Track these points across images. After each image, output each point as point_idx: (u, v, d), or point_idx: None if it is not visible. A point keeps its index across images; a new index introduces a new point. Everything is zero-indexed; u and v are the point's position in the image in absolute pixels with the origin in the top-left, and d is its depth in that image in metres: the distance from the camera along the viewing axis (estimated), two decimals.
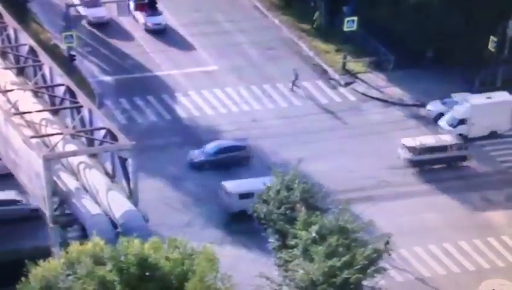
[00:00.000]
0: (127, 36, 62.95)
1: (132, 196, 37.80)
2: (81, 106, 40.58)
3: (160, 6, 63.02)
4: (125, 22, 63.40)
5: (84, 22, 62.71)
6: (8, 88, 42.56)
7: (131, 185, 37.89)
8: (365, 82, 60.33)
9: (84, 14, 62.69)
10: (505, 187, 51.94)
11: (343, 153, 53.77)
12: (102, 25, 63.00)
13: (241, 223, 46.77)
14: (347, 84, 60.14)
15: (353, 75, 60.92)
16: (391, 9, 60.03)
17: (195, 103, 57.65)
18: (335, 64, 61.60)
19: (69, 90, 41.37)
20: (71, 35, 57.58)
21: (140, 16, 63.14)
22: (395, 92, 59.46)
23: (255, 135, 54.83)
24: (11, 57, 45.31)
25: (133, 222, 36.35)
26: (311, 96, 58.85)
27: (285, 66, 61.04)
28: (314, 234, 38.04)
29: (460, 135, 53.92)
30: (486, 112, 54.26)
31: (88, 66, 60.09)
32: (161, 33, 62.68)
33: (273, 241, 40.35)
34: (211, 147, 51.89)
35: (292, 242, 38.71)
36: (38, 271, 32.36)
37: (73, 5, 61.79)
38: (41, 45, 46.32)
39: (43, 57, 43.52)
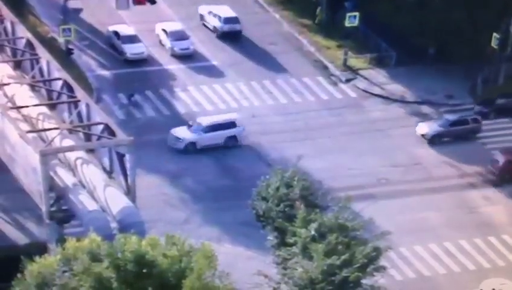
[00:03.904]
0: None
1: (130, 192, 37.41)
2: (79, 101, 40.16)
3: None
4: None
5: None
6: (4, 82, 42.12)
7: (129, 181, 37.48)
8: (366, 78, 59.98)
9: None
10: (506, 186, 51.61)
11: (344, 150, 53.43)
12: None
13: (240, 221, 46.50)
14: (348, 81, 59.80)
15: (354, 71, 60.59)
16: (393, 5, 59.69)
17: (194, 98, 57.26)
18: (336, 60, 61.25)
19: (66, 85, 40.92)
20: (69, 29, 57.14)
21: (166, 40, 60.26)
22: (396, 88, 59.12)
23: (255, 131, 54.45)
24: (7, 50, 44.87)
25: (130, 218, 35.97)
26: (311, 92, 58.47)
27: (285, 61, 60.70)
28: (313, 232, 37.66)
29: None
30: None
31: (86, 60, 59.65)
32: (189, 58, 59.96)
33: (271, 238, 39.94)
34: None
35: (291, 240, 38.32)
36: (34, 267, 31.97)
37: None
38: (38, 38, 45.83)
39: (41, 50, 43.07)
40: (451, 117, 55.22)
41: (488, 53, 58.16)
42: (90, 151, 39.43)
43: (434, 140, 54.28)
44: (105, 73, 59.06)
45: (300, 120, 55.84)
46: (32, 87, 41.97)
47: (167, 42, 60.94)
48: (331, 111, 56.93)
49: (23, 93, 41.33)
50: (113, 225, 36.24)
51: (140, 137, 47.77)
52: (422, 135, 54.75)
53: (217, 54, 61.23)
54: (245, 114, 55.97)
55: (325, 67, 61.00)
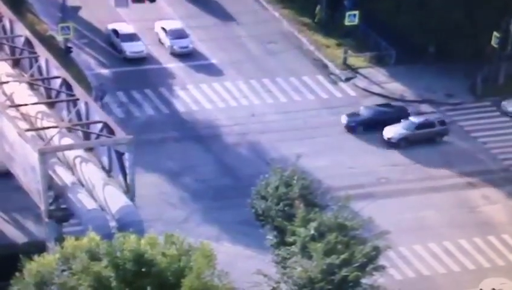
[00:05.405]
0: None
1: (129, 190, 37.34)
2: (78, 99, 40.09)
3: None
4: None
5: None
6: (3, 80, 42.04)
7: (128, 180, 37.42)
8: (366, 77, 59.87)
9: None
10: (506, 185, 51.54)
11: (343, 149, 53.33)
12: None
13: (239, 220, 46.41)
14: (348, 79, 59.69)
15: (354, 70, 60.47)
16: (393, 3, 59.60)
17: (194, 96, 57.16)
18: (336, 58, 61.13)
19: (65, 83, 40.85)
20: (68, 27, 57.05)
21: (165, 39, 60.10)
22: (396, 87, 59.01)
23: (254, 130, 54.37)
24: (6, 48, 44.78)
25: (129, 217, 35.89)
26: (311, 91, 58.38)
27: (285, 60, 60.60)
28: (312, 231, 37.62)
29: None
30: None
31: (85, 58, 59.54)
32: (188, 56, 59.69)
33: (271, 238, 39.91)
34: None
35: (290, 239, 38.28)
36: (33, 266, 31.90)
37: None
38: (37, 36, 45.77)
39: (39, 48, 42.99)
40: (417, 120, 53.76)
41: (488, 52, 58.07)
42: (89, 149, 39.36)
43: (400, 144, 53.12)
44: (105, 71, 58.94)
45: (300, 119, 55.73)
46: (31, 85, 41.89)
47: (166, 40, 60.82)
48: (331, 110, 56.83)
49: (21, 92, 41.25)
50: (112, 223, 36.18)
51: (140, 135, 47.64)
52: (389, 139, 53.23)
53: (216, 52, 61.12)
54: (244, 113, 55.88)
55: (325, 66, 60.89)
